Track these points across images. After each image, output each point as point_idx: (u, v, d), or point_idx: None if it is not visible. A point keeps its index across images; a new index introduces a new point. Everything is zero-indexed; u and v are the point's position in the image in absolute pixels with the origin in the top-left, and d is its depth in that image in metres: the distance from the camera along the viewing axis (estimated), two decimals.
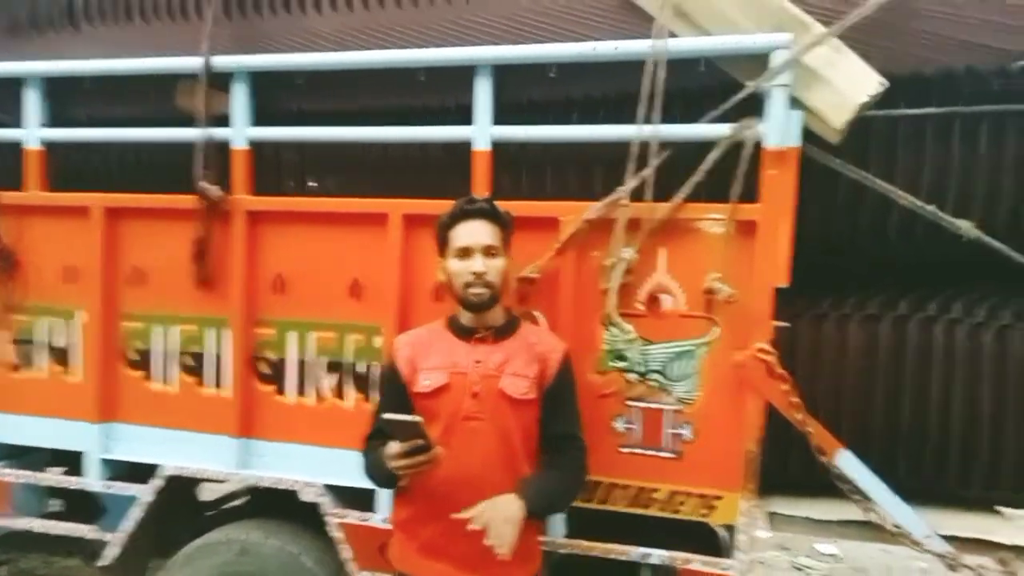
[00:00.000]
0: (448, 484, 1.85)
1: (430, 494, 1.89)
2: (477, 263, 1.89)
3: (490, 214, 1.94)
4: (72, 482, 2.69)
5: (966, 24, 2.00)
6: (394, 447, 1.77)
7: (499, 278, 1.92)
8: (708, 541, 2.36)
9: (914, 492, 2.06)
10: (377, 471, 1.92)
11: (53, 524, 2.72)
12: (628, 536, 2.22)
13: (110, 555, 2.63)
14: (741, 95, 2.07)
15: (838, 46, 2.03)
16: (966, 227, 2.04)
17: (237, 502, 3.28)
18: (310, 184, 2.65)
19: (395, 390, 1.98)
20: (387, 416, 1.73)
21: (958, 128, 2.09)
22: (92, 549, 2.79)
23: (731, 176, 2.08)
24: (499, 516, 1.77)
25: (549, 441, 1.98)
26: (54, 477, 2.77)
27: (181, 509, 2.85)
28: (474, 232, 1.91)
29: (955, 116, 2.09)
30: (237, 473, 2.52)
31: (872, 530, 2.04)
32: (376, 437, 1.96)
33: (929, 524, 2.02)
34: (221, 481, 2.60)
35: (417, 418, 1.73)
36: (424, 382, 1.93)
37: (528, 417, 1.94)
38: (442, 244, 1.97)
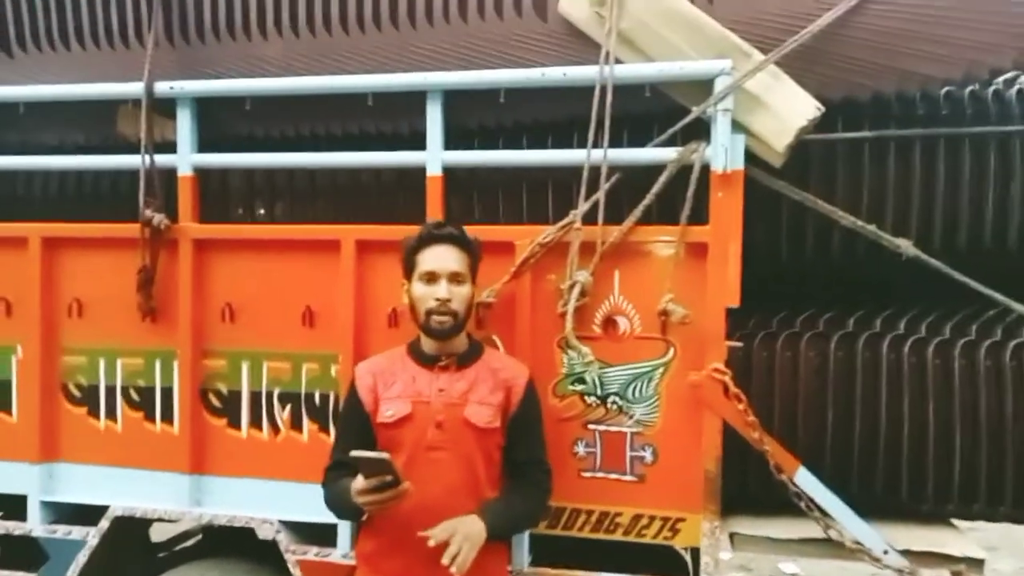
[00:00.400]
0: (412, 514, 1.82)
1: (394, 525, 1.86)
2: (441, 289, 1.87)
3: (458, 240, 1.92)
4: (12, 527, 2.56)
5: (895, 52, 2.08)
6: (360, 483, 1.73)
7: (463, 306, 1.91)
8: (675, 562, 2.38)
9: (868, 507, 2.11)
10: (341, 504, 1.88)
11: None
12: (597, 560, 2.22)
13: None
14: (686, 120, 2.12)
15: (776, 73, 2.09)
16: (905, 245, 2.12)
17: (191, 541, 3.18)
18: (259, 212, 2.60)
19: (357, 419, 1.95)
20: (355, 453, 1.70)
21: (892, 150, 2.18)
22: None
23: (680, 199, 2.12)
24: (459, 534, 1.76)
25: (514, 467, 1.98)
26: None
27: (132, 551, 2.75)
28: (441, 257, 1.90)
29: (889, 139, 2.17)
30: (189, 512, 2.44)
31: (831, 547, 2.08)
32: (337, 468, 1.93)
33: (886, 539, 2.07)
34: (173, 521, 2.51)
35: (385, 455, 1.70)
36: (387, 412, 1.90)
37: (492, 444, 1.93)
38: (407, 267, 1.95)
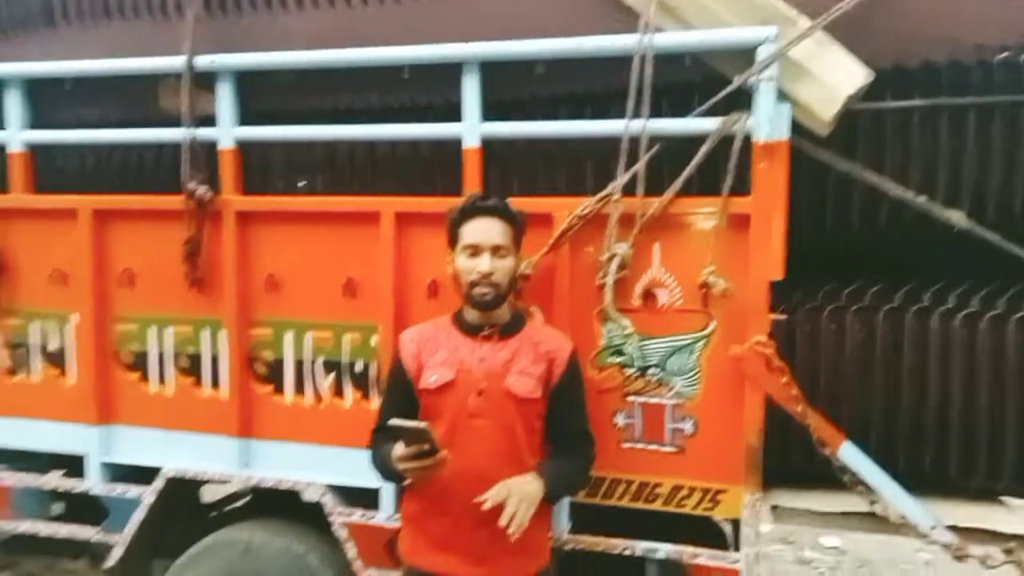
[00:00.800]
0: (455, 479, 1.86)
1: (438, 489, 1.90)
2: (484, 263, 1.88)
3: (502, 213, 1.92)
4: (74, 485, 2.70)
5: (947, 18, 1.99)
6: (400, 450, 1.78)
7: (506, 278, 1.92)
8: (712, 536, 2.39)
9: (915, 483, 2.08)
10: (384, 468, 1.95)
11: (57, 527, 2.73)
12: (632, 532, 2.24)
13: (115, 557, 2.65)
14: (729, 89, 2.06)
15: (823, 40, 2.02)
16: (957, 217, 2.05)
17: (240, 503, 3.30)
18: (300, 184, 2.61)
19: (401, 385, 1.99)
20: (393, 422, 1.73)
21: (945, 120, 2.09)
22: (96, 551, 2.81)
23: (722, 169, 2.08)
24: (515, 496, 1.79)
25: (559, 437, 2.01)
26: (57, 480, 2.77)
27: (184, 510, 2.87)
28: (484, 230, 1.90)
29: (941, 108, 2.08)
30: (238, 474, 2.54)
31: (875, 522, 2.06)
32: (384, 431, 1.97)
33: (933, 515, 2.04)
34: (224, 482, 2.61)
35: (422, 424, 1.72)
36: (430, 378, 1.94)
37: (532, 414, 1.95)
38: (451, 238, 1.97)
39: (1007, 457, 2.09)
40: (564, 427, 2.01)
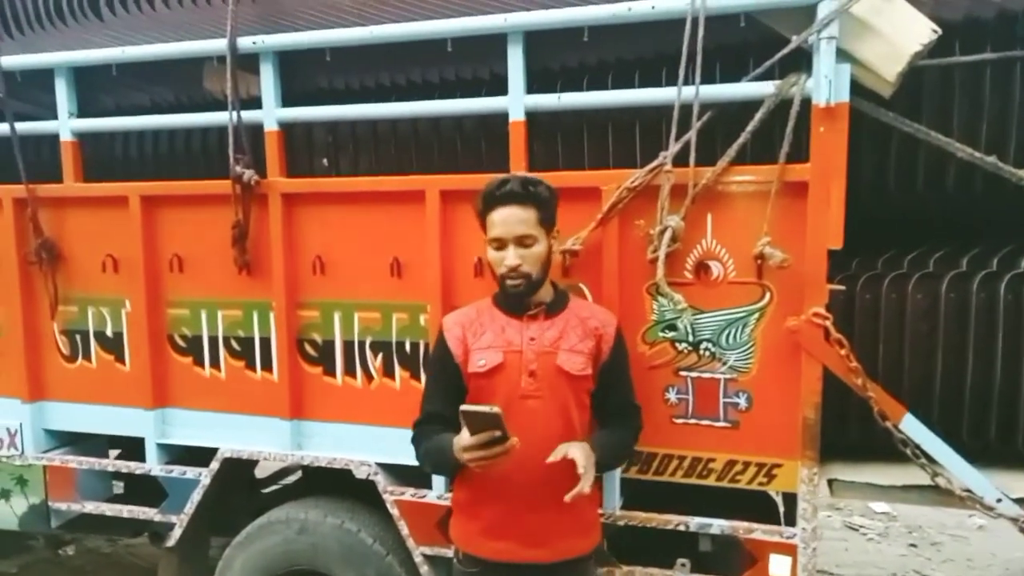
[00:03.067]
0: (508, 464, 1.82)
1: (490, 475, 1.87)
2: (510, 256, 1.83)
3: (522, 197, 1.83)
4: (135, 467, 2.76)
5: None
6: (467, 438, 1.72)
7: (537, 265, 1.86)
8: (764, 511, 2.36)
9: (978, 454, 2.02)
10: (439, 461, 1.91)
11: (120, 508, 2.81)
12: (679, 508, 2.22)
13: (175, 536, 2.71)
14: (786, 50, 1.98)
15: None
16: None
17: (291, 479, 3.36)
18: (323, 163, 2.60)
19: (447, 371, 1.96)
20: (464, 407, 1.69)
21: (1019, 74, 1.98)
22: (155, 528, 2.88)
23: (778, 136, 2.01)
24: (583, 452, 1.77)
25: (608, 412, 1.98)
26: (118, 463, 2.85)
27: (239, 488, 2.92)
28: (506, 221, 1.83)
29: (1014, 61, 1.97)
30: (291, 454, 2.57)
31: (938, 494, 2.01)
32: (429, 423, 1.96)
33: (999, 487, 1.98)
34: (280, 461, 2.65)
35: (496, 408, 1.66)
36: (479, 362, 1.91)
37: (583, 391, 1.93)
38: (482, 226, 1.93)
39: None
40: (613, 402, 1.98)
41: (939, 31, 1.87)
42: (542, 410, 1.87)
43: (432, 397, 1.99)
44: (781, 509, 2.52)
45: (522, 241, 1.84)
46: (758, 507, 2.32)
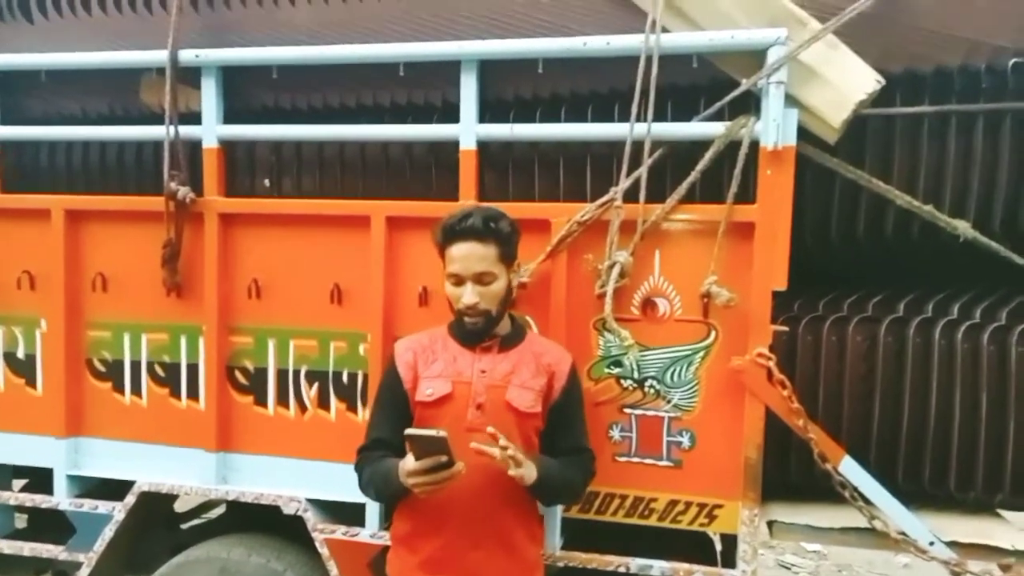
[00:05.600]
0: (452, 497, 1.77)
1: (433, 508, 1.81)
2: (467, 294, 1.78)
3: (482, 233, 1.78)
4: (40, 500, 2.56)
5: (960, 21, 1.96)
6: (412, 463, 1.65)
7: (495, 302, 1.81)
8: (704, 550, 2.33)
9: (913, 496, 2.05)
10: (382, 486, 1.82)
11: (20, 545, 2.59)
12: (620, 546, 2.18)
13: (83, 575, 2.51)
14: (736, 92, 2.02)
15: (834, 43, 1.98)
16: (963, 227, 2.02)
17: (213, 513, 3.17)
18: (264, 183, 2.51)
19: (395, 397, 1.89)
20: (410, 431, 1.62)
21: (954, 126, 2.06)
22: (59, 568, 2.67)
23: (726, 176, 2.03)
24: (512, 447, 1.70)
25: (557, 455, 1.91)
26: (21, 495, 2.63)
27: (157, 524, 2.74)
28: (465, 258, 1.78)
29: (950, 114, 2.05)
30: (216, 489, 2.42)
31: (874, 537, 2.02)
32: (374, 449, 1.87)
33: (932, 530, 2.01)
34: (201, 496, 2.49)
35: (443, 433, 1.60)
36: (427, 391, 1.84)
37: (531, 428, 1.87)
38: (440, 256, 1.86)
39: (1006, 471, 2.06)
40: (564, 445, 1.92)
41: (883, 81, 1.93)
42: (486, 444, 1.80)
43: (378, 423, 1.91)
44: (718, 548, 2.51)
45: (481, 279, 1.79)
46: (693, 545, 2.29)
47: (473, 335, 1.85)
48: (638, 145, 2.05)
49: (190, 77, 2.38)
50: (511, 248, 1.85)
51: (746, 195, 2.03)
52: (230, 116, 2.41)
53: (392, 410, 1.88)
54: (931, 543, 1.99)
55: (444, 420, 1.81)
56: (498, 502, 1.82)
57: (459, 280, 1.80)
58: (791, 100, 1.97)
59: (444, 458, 1.62)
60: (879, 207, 2.11)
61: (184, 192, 2.33)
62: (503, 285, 1.82)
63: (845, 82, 1.93)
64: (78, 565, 2.53)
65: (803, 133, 2.01)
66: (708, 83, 2.10)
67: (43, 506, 2.55)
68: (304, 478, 2.36)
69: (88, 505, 2.51)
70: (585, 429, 1.97)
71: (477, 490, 1.78)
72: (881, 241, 2.15)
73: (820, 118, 1.96)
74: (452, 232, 1.80)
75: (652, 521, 2.14)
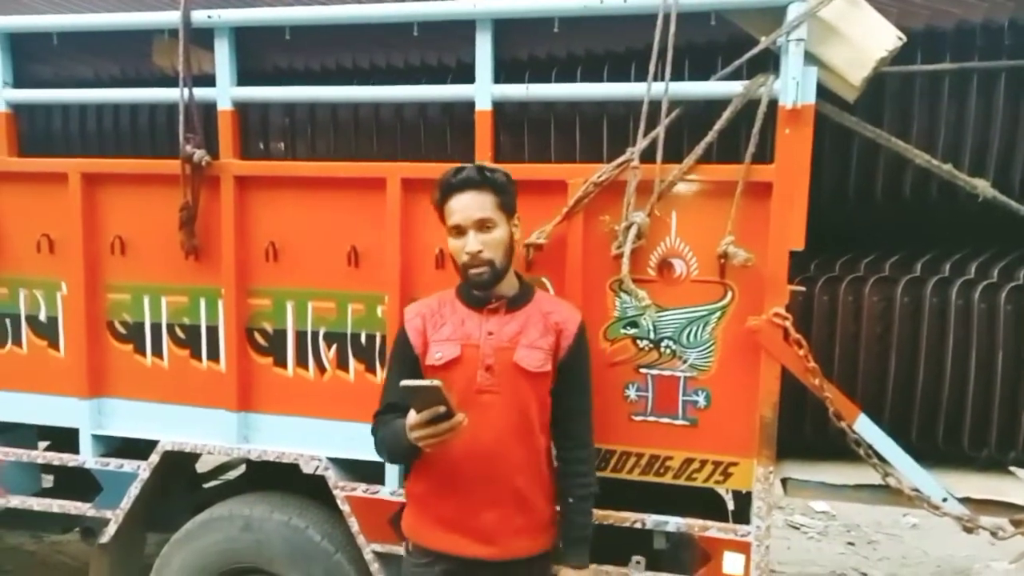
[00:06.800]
0: (464, 458, 1.81)
1: (446, 467, 1.84)
2: (471, 242, 1.78)
3: (479, 183, 1.79)
4: (67, 459, 2.61)
5: None
6: (413, 417, 1.65)
7: (499, 251, 1.81)
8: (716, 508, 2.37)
9: (926, 454, 2.07)
10: (393, 446, 1.83)
11: (49, 502, 2.65)
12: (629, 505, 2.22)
13: (109, 533, 2.58)
14: (755, 50, 1.99)
15: None
16: (982, 186, 2.01)
17: (234, 473, 3.24)
18: (279, 147, 2.50)
19: (406, 361, 1.91)
20: (405, 383, 1.61)
21: (975, 84, 2.03)
22: (85, 524, 2.73)
23: (744, 136, 2.02)
24: None
25: (560, 416, 1.94)
26: (48, 455, 2.69)
27: (179, 483, 2.80)
28: (464, 207, 1.78)
29: (972, 72, 2.03)
30: (238, 448, 2.47)
31: (888, 494, 2.05)
32: (387, 412, 1.90)
33: (945, 487, 2.03)
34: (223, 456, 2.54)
35: (437, 382, 1.59)
36: (436, 354, 1.86)
37: (543, 388, 1.89)
38: (440, 218, 1.87)
39: (1020, 430, 2.08)
40: (567, 408, 1.93)
41: (904, 38, 1.90)
42: (498, 405, 1.83)
43: (393, 389, 1.90)
44: (730, 507, 2.56)
45: (482, 225, 1.78)
46: (702, 504, 2.32)
47: (479, 289, 1.85)
48: (655, 105, 2.04)
49: (201, 39, 2.37)
50: (508, 198, 1.84)
51: (763, 155, 2.01)
52: (241, 79, 2.40)
53: (405, 374, 1.87)
54: (944, 499, 2.02)
55: (455, 383, 1.81)
56: (512, 462, 1.84)
57: (460, 231, 1.80)
58: (810, 58, 1.95)
59: (442, 408, 1.60)
60: (897, 166, 2.09)
61: (200, 155, 2.33)
62: (504, 234, 1.82)
63: (866, 39, 1.90)
64: (103, 522, 2.60)
65: (821, 92, 1.99)
66: (726, 41, 2.07)
67: (70, 464, 2.61)
68: (324, 437, 2.40)
69: (114, 464, 2.57)
70: (590, 392, 1.97)
71: (490, 451, 1.81)
72: (899, 201, 2.14)
73: (840, 76, 1.94)
74: (448, 186, 1.81)
75: (667, 479, 2.18)
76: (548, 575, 1.98)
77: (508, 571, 1.88)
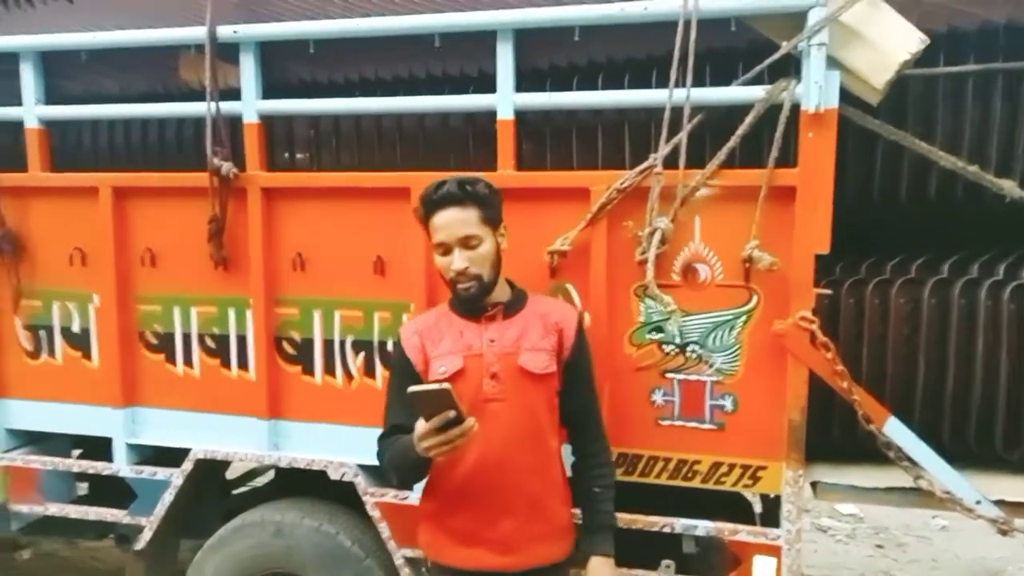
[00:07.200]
0: (475, 469, 1.80)
1: (458, 481, 1.83)
2: (457, 260, 1.77)
3: (460, 199, 1.77)
4: (102, 467, 2.67)
5: None
6: (422, 426, 1.61)
7: (486, 266, 1.80)
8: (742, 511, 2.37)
9: (958, 456, 2.06)
10: (402, 462, 1.78)
11: (85, 510, 2.71)
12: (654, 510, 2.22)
13: (144, 539, 2.63)
14: (777, 55, 2.00)
15: (876, 2, 1.94)
16: (1009, 187, 2.00)
17: (260, 479, 3.28)
18: (298, 156, 2.54)
19: (408, 383, 1.81)
20: (413, 388, 1.58)
21: (1000, 85, 2.02)
22: (120, 531, 2.78)
23: (766, 140, 2.03)
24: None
25: (572, 413, 1.94)
26: (84, 463, 2.74)
27: (211, 490, 2.85)
28: (447, 224, 1.77)
29: (996, 73, 2.02)
30: (269, 455, 2.51)
31: (919, 496, 2.04)
32: (391, 435, 1.86)
33: (978, 489, 2.02)
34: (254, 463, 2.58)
35: (447, 385, 1.57)
36: (439, 369, 1.83)
37: (550, 390, 1.88)
38: (426, 232, 1.85)
39: None
40: (579, 405, 1.93)
41: (927, 40, 1.90)
42: (506, 412, 1.81)
43: (395, 411, 1.88)
44: (757, 510, 2.55)
45: (466, 243, 1.77)
46: (727, 507, 2.32)
47: (469, 302, 1.84)
48: (677, 111, 2.05)
49: (227, 53, 2.41)
50: (492, 210, 1.82)
51: (786, 159, 2.02)
52: (265, 92, 2.43)
53: (406, 395, 1.80)
54: (978, 502, 2.01)
55: (461, 395, 1.75)
56: (524, 469, 1.83)
57: (446, 248, 1.79)
58: (832, 62, 1.95)
59: (452, 413, 1.56)
60: (922, 168, 2.08)
61: (227, 167, 2.37)
62: (491, 248, 1.81)
63: (888, 42, 1.89)
64: (138, 529, 2.65)
65: (843, 95, 1.99)
66: (746, 47, 2.07)
67: (104, 473, 2.66)
68: (353, 444, 2.42)
69: (147, 472, 2.62)
70: (594, 385, 1.98)
71: (501, 459, 1.80)
72: (925, 203, 2.13)
73: (862, 80, 1.93)
74: (430, 203, 1.80)
75: (696, 483, 2.18)
76: None
77: None
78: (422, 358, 1.87)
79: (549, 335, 1.87)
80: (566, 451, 2.00)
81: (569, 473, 1.99)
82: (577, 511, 2.06)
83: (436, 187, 1.80)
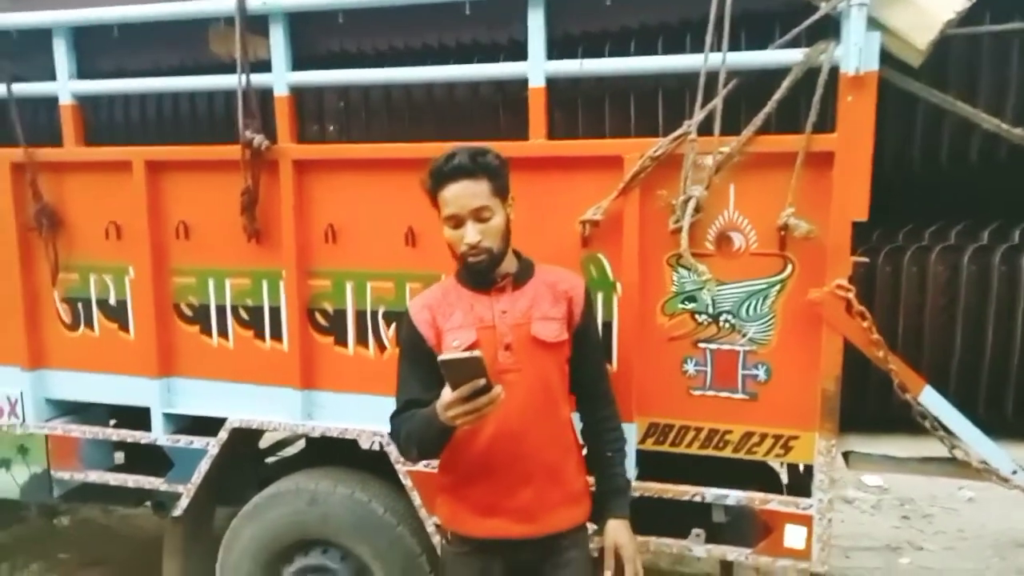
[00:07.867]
0: (492, 440, 1.80)
1: (475, 453, 1.83)
2: (470, 233, 1.74)
3: (472, 171, 1.74)
4: (140, 436, 2.73)
5: None
6: (449, 394, 1.59)
7: (497, 238, 1.77)
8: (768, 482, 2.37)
9: (994, 426, 2.03)
10: (424, 432, 1.73)
11: (124, 477, 2.78)
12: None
13: (182, 506, 2.69)
14: (816, 16, 1.95)
15: None
16: None
17: (292, 448, 3.34)
18: (332, 129, 2.53)
19: (421, 358, 1.84)
20: (444, 356, 1.57)
21: None
22: (156, 498, 2.85)
23: (803, 105, 1.99)
24: (627, 537, 1.90)
25: (584, 379, 1.94)
26: (123, 432, 2.80)
27: (244, 458, 2.90)
28: (458, 197, 1.74)
29: None
30: (303, 424, 2.54)
31: (954, 466, 2.03)
32: (406, 410, 1.84)
33: (1014, 459, 2.00)
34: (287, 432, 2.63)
35: (478, 353, 1.56)
36: (453, 343, 1.81)
37: (562, 358, 1.88)
38: (433, 205, 1.82)
39: None
40: (590, 370, 1.94)
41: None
42: (522, 383, 1.80)
43: (409, 386, 1.86)
44: (784, 480, 2.55)
45: (479, 215, 1.74)
46: (754, 477, 2.32)
47: (479, 275, 1.83)
48: (712, 76, 2.02)
49: (256, 25, 2.41)
50: (502, 181, 1.79)
51: (823, 124, 1.98)
52: (295, 64, 2.43)
53: (420, 371, 1.83)
54: (1014, 472, 1.99)
55: None
56: (540, 437, 1.83)
57: (458, 221, 1.76)
58: (872, 23, 1.90)
59: (482, 381, 1.54)
60: (964, 131, 2.04)
61: (259, 140, 2.38)
62: (501, 220, 1.78)
63: (931, 1, 1.84)
64: (175, 496, 2.71)
65: (883, 56, 1.94)
66: (783, 9, 2.03)
67: (143, 442, 2.72)
68: (385, 414, 2.39)
69: (184, 441, 2.67)
70: (603, 353, 2.00)
71: (517, 429, 1.80)
72: (966, 166, 2.09)
73: (904, 40, 1.88)
74: (440, 175, 1.76)
75: (727, 452, 2.18)
76: (587, 547, 1.99)
77: (549, 546, 1.88)
78: (434, 332, 1.86)
79: (559, 303, 1.87)
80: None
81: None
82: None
83: (446, 159, 1.76)
